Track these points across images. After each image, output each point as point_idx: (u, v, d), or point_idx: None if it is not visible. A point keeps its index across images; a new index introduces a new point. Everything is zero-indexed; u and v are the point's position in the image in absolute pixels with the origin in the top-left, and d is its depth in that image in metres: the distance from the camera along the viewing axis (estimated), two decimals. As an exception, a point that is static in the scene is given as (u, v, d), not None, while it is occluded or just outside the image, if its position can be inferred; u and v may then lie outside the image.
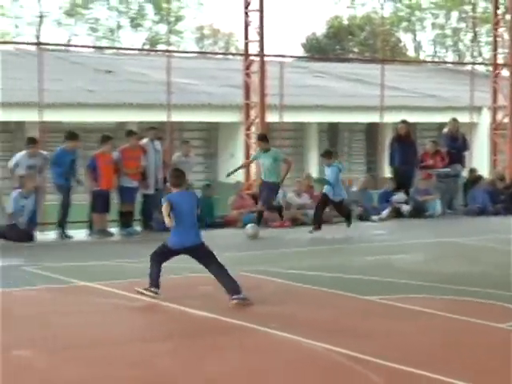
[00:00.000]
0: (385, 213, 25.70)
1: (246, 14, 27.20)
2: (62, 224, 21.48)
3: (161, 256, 13.60)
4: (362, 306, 13.35)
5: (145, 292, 13.24)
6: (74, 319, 12.61)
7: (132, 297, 13.69)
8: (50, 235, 21.57)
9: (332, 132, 39.25)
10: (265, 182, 23.10)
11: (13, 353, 10.29)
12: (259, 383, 9.40)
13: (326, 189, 22.63)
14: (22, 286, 14.81)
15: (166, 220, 13.12)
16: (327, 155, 23.44)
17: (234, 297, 12.81)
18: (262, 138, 23.41)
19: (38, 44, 25.74)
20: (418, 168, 26.38)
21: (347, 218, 23.03)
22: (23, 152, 22.06)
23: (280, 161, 23.19)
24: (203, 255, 13.44)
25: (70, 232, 21.61)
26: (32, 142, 22.21)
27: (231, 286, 12.98)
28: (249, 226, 21.82)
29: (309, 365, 9.82)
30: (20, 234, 21.00)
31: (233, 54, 39.94)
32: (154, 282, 13.28)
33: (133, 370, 9.99)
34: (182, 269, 16.23)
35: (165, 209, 13.14)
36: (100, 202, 21.86)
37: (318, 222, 22.46)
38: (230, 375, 9.55)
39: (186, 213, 13.34)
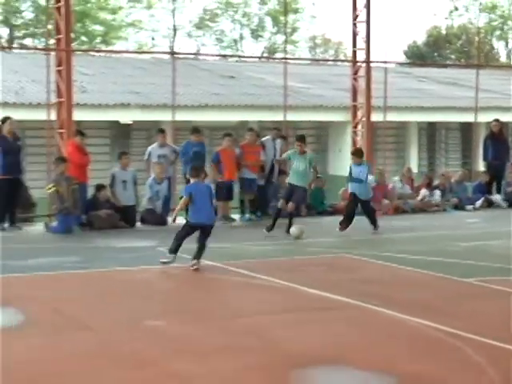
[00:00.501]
0: (478, 203, 25.69)
1: (355, 24, 27.26)
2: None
3: (184, 232, 14.89)
4: (458, 288, 13.37)
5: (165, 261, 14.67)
6: (200, 294, 12.99)
7: (251, 275, 13.96)
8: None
9: (430, 130, 39.06)
10: (296, 185, 19.83)
11: (148, 322, 10.67)
12: (364, 352, 9.52)
13: (353, 187, 20.35)
14: (156, 264, 15.16)
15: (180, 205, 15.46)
16: (358, 154, 21.10)
17: (193, 262, 14.42)
18: (302, 139, 20.40)
19: (172, 53, 26.05)
20: (510, 163, 26.24)
21: (372, 218, 20.44)
22: (155, 144, 22.64)
23: (311, 166, 20.40)
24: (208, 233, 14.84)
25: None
26: (161, 131, 22.90)
27: (198, 254, 14.53)
28: (293, 227, 19.39)
29: (409, 339, 10.00)
30: (156, 218, 21.42)
31: (342, 61, 39.87)
32: (173, 251, 14.68)
33: (248, 338, 10.28)
34: (294, 252, 16.47)
35: (183, 200, 15.06)
36: (224, 191, 22.25)
37: (347, 222, 19.95)
38: (336, 345, 9.78)
39: (201, 198, 14.75)
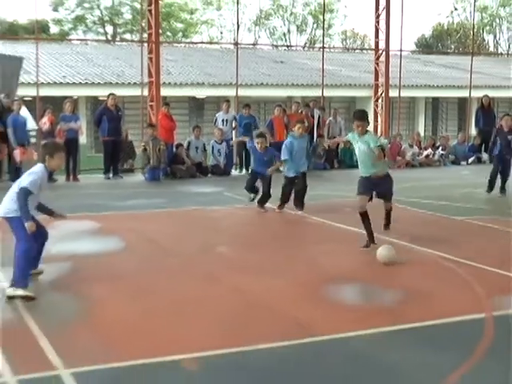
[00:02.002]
0: (471, 160, 25.72)
1: (377, 21, 27.08)
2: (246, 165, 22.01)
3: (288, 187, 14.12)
4: (458, 224, 13.25)
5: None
6: (260, 228, 13.01)
7: (291, 213, 13.96)
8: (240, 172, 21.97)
9: (434, 104, 38.69)
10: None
11: (217, 250, 10.73)
12: (383, 274, 9.53)
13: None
14: (224, 205, 15.19)
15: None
16: (364, 119, 10.69)
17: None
18: (362, 118, 10.79)
19: (236, 44, 25.83)
20: (496, 128, 26.02)
21: None
22: (221, 111, 22.69)
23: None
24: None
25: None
26: (226, 101, 22.91)
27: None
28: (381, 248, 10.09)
29: (416, 263, 9.99)
30: (220, 171, 21.45)
31: (366, 49, 39.46)
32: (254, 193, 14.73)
33: (296, 262, 10.29)
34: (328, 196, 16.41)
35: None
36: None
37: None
38: (363, 269, 9.79)
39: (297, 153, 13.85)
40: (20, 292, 7.77)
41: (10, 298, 7.79)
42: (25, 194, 7.78)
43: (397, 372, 6.05)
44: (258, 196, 14.55)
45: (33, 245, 8.04)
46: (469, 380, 5.85)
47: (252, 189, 14.68)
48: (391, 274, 9.34)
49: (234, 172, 22.38)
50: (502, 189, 16.83)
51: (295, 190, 14.03)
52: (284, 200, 14.13)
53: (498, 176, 16.88)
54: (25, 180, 7.89)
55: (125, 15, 53.40)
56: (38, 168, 8.02)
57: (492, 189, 16.81)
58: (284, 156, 13.85)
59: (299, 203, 14.00)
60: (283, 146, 13.95)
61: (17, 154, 18.97)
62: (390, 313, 7.67)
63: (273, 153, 14.70)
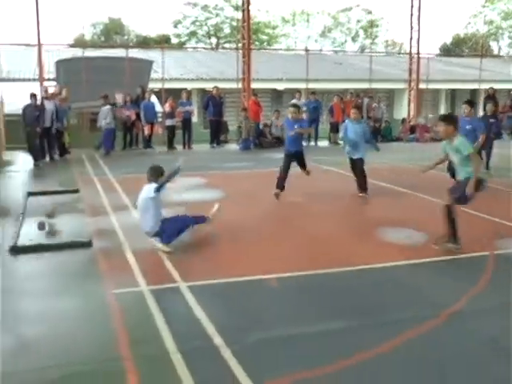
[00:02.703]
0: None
1: (411, 32, 26.42)
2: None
3: None
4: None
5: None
6: (323, 185, 12.82)
7: (348, 175, 13.79)
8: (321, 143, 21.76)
9: (452, 94, 37.59)
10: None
11: (291, 199, 10.67)
12: (413, 220, 9.37)
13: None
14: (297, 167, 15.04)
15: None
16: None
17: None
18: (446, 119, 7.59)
19: (306, 50, 25.74)
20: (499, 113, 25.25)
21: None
22: (294, 99, 22.25)
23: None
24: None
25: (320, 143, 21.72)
26: (298, 92, 22.48)
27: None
28: None
29: (433, 210, 9.80)
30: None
31: (403, 53, 38.64)
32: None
33: (345, 208, 10.16)
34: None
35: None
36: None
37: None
38: (397, 210, 9.64)
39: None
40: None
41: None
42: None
43: (421, 293, 5.99)
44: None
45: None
46: (475, 301, 5.76)
47: (281, 181, 10.96)
48: (421, 221, 9.15)
49: (304, 144, 22.10)
50: (486, 167, 13.79)
51: (355, 174, 11.36)
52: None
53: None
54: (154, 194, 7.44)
55: (225, 30, 53.58)
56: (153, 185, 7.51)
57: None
58: (340, 134, 12.48)
59: (360, 187, 11.14)
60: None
61: (146, 129, 19.39)
62: (418, 249, 7.55)
63: (303, 122, 12.12)
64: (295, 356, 4.60)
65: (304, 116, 22.13)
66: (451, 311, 5.44)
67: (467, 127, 11.41)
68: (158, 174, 7.52)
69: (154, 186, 7.43)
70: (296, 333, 5.00)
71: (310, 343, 4.82)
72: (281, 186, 10.84)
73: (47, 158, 16.31)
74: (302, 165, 11.53)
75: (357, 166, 11.18)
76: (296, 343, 4.82)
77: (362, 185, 11.12)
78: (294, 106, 11.56)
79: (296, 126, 11.00)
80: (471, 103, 12.27)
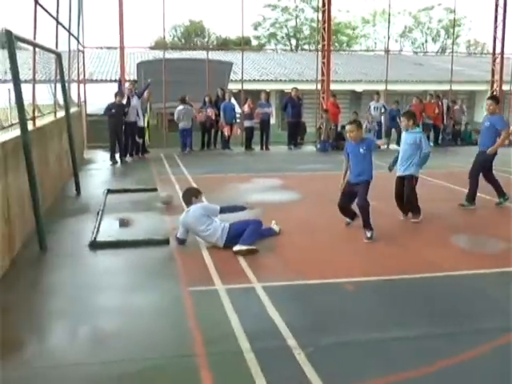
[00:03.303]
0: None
1: (495, 32, 25.59)
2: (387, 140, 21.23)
3: None
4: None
5: None
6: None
7: (422, 177, 13.43)
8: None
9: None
10: None
11: (372, 203, 10.48)
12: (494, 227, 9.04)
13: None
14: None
15: None
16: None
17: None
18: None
19: (386, 51, 25.29)
20: None
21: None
22: (373, 101, 22.01)
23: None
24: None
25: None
26: (377, 93, 22.14)
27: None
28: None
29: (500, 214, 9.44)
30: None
31: (485, 53, 37.46)
32: None
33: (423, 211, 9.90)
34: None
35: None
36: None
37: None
38: (478, 216, 9.31)
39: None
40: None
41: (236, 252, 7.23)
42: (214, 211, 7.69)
43: (496, 301, 5.76)
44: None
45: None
46: None
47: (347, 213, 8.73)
48: (497, 227, 8.83)
49: (383, 147, 21.64)
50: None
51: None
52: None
53: None
54: (205, 208, 7.67)
55: (305, 32, 53.55)
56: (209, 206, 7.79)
57: None
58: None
59: (405, 208, 9.42)
60: None
61: (225, 130, 19.53)
62: (497, 258, 7.28)
63: (369, 142, 8.59)
64: (371, 361, 4.51)
65: (382, 119, 21.83)
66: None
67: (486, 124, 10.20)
68: (193, 196, 7.76)
69: (216, 208, 7.61)
70: (373, 337, 4.90)
71: (388, 348, 4.72)
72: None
73: (128, 157, 16.63)
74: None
75: (405, 185, 9.37)
76: (373, 348, 4.72)
77: (406, 205, 9.40)
78: (352, 122, 8.75)
79: (362, 150, 8.36)
80: (496, 99, 10.48)
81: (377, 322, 5.24)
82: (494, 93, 25.99)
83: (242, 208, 8.00)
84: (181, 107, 18.40)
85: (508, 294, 5.94)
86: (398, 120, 19.66)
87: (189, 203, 7.72)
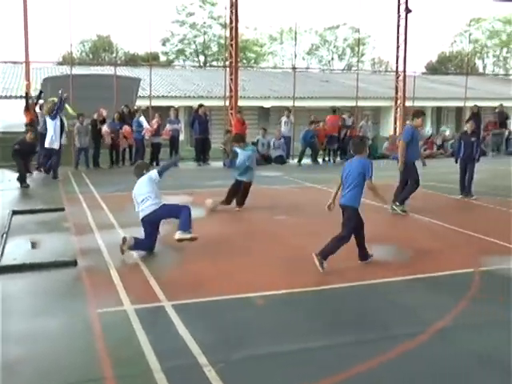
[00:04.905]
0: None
1: (397, 51, 26.62)
2: (301, 157, 21.56)
3: None
4: (446, 201, 13.07)
5: None
6: (307, 202, 12.85)
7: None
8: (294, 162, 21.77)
9: (437, 111, 37.90)
10: None
11: (277, 217, 10.68)
12: (395, 237, 9.35)
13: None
14: (282, 185, 15.06)
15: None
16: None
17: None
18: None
19: (293, 68, 25.81)
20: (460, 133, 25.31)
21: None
22: (284, 116, 22.39)
23: None
24: None
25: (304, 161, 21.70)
26: (288, 110, 22.64)
27: None
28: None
29: (419, 227, 9.82)
30: (277, 160, 21.26)
31: (389, 71, 38.84)
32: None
33: (330, 225, 10.18)
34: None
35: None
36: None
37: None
38: (379, 232, 9.65)
39: None
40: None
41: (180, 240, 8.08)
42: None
43: (410, 309, 6.00)
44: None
45: None
46: (461, 317, 5.78)
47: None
48: (406, 238, 9.19)
49: (292, 161, 22.07)
50: (467, 190, 13.18)
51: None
52: None
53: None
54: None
55: (213, 48, 53.89)
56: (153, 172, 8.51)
57: (463, 190, 13.17)
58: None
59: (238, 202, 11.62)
60: None
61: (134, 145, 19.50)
62: (406, 266, 7.58)
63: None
64: (284, 372, 4.58)
65: (291, 134, 22.23)
66: (440, 327, 5.45)
67: (472, 139, 12.88)
68: (143, 169, 8.50)
69: (154, 172, 8.37)
70: (286, 349, 4.98)
71: (301, 359, 4.81)
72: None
73: (34, 174, 16.26)
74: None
75: (240, 187, 11.60)
76: (286, 359, 4.80)
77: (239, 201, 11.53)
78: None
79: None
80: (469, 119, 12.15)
81: (288, 333, 5.33)
82: (398, 108, 27.01)
83: (176, 160, 8.50)
84: (78, 124, 18.28)
85: (414, 301, 6.20)
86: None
87: (140, 176, 8.41)
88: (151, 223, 8.13)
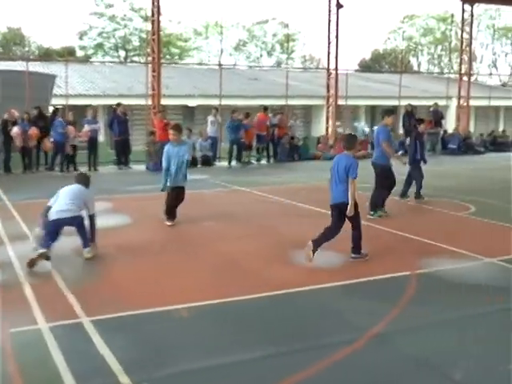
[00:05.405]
0: (399, 153, 25.27)
1: (329, 47, 27.02)
2: (230, 158, 21.61)
3: None
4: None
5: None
6: (234, 206, 12.93)
7: (263, 195, 13.91)
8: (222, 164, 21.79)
9: (372, 110, 38.70)
10: None
11: (204, 223, 10.68)
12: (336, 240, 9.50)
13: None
14: (209, 188, 15.08)
15: None
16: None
17: None
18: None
19: (219, 65, 25.91)
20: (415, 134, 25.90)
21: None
22: (210, 115, 22.42)
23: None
24: None
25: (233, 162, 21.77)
26: (216, 109, 22.84)
27: None
28: None
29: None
30: (204, 162, 21.22)
31: (321, 69, 39.37)
32: None
33: (262, 230, 10.24)
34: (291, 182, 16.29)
35: None
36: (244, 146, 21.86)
37: None
38: (315, 231, 9.79)
39: None
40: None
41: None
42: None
43: (344, 316, 6.11)
44: None
45: None
46: (397, 322, 5.92)
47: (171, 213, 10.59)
48: (339, 241, 9.34)
49: (219, 163, 22.11)
50: (418, 192, 13.30)
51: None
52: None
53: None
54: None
55: (134, 42, 53.36)
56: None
57: (405, 193, 13.31)
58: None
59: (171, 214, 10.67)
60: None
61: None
62: (339, 271, 7.71)
63: (186, 149, 10.69)
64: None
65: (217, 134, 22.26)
66: (376, 332, 5.59)
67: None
68: (86, 182, 8.99)
69: (91, 196, 8.86)
70: (214, 363, 4.99)
71: (231, 373, 4.84)
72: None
73: None
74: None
75: (175, 194, 10.54)
76: (214, 375, 4.81)
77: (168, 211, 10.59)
78: (174, 127, 10.79)
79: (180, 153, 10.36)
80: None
81: (217, 347, 5.34)
82: (330, 107, 27.42)
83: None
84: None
85: (349, 307, 6.33)
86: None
87: (80, 184, 8.84)
88: (58, 226, 8.11)
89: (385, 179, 11.32)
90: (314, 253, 7.86)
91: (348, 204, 7.99)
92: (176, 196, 10.56)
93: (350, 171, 8.00)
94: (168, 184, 10.56)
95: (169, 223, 10.47)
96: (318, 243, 7.93)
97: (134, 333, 5.65)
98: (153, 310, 6.20)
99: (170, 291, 6.85)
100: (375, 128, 11.81)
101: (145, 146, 20.48)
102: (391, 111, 12.03)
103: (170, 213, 10.59)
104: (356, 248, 8.18)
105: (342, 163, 8.13)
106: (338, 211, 8.16)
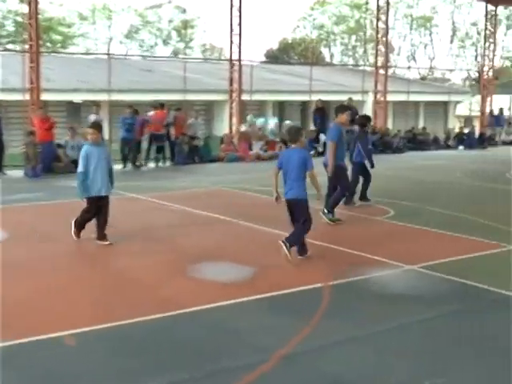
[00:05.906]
0: (311, 152, 25.75)
1: (231, 36, 27.17)
2: (124, 160, 21.39)
3: None
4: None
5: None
6: (128, 216, 12.80)
7: (160, 202, 13.87)
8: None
9: (281, 106, 39.20)
10: None
11: (93, 237, 10.54)
12: (235, 252, 9.57)
13: None
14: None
15: None
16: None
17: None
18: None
19: (108, 55, 25.66)
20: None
21: None
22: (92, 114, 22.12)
23: None
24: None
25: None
26: (97, 105, 22.25)
27: None
28: None
29: (268, 241, 10.10)
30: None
31: (223, 60, 39.63)
32: None
33: (159, 243, 10.23)
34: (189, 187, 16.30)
35: None
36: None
37: None
38: (216, 247, 9.84)
39: None
40: None
41: None
42: None
43: (251, 335, 6.20)
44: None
45: None
46: (310, 337, 6.04)
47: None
48: (243, 252, 9.44)
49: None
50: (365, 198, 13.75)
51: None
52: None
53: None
54: None
55: (8, 27, 52.02)
56: None
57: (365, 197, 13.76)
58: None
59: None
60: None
61: None
62: (245, 286, 7.79)
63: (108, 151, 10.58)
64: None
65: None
66: (285, 353, 5.69)
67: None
68: None
69: None
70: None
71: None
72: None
73: None
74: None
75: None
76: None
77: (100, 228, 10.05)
78: (93, 125, 10.24)
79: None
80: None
81: (108, 376, 5.32)
82: (233, 103, 27.60)
83: None
84: None
85: (254, 325, 6.42)
86: None
87: None
88: None
89: (337, 181, 11.67)
90: (304, 255, 8.80)
91: (306, 200, 8.73)
92: (99, 209, 9.96)
93: (307, 164, 8.59)
94: (91, 193, 9.91)
95: (76, 238, 10.06)
96: (293, 242, 8.65)
97: (17, 366, 5.51)
98: (35, 339, 6.06)
99: (56, 316, 6.73)
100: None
101: (23, 148, 19.92)
102: (346, 107, 12.20)
103: (82, 225, 10.10)
104: (293, 242, 8.66)
105: (294, 157, 8.61)
106: (299, 208, 8.78)
